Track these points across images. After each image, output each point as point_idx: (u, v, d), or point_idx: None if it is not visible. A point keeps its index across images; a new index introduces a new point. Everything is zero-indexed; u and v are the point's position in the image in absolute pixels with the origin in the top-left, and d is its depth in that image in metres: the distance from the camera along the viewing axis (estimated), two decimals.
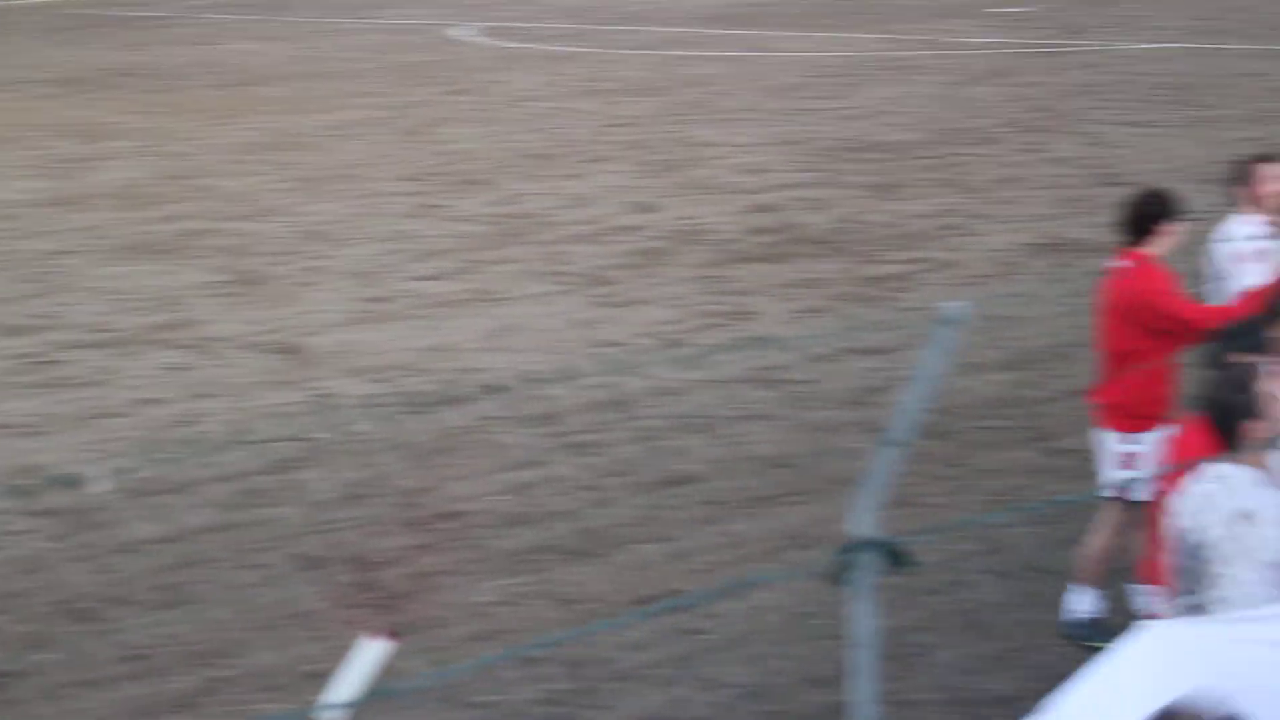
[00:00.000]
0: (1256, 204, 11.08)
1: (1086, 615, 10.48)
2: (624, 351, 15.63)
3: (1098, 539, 10.33)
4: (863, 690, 6.24)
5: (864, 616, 6.20)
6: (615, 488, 12.74)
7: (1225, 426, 7.29)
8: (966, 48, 37.29)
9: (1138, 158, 24.61)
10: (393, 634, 6.21)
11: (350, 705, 5.96)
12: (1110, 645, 9.29)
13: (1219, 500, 7.20)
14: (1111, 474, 10.34)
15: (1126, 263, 10.42)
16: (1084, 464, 10.93)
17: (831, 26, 41.98)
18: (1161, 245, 10.36)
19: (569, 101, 32.02)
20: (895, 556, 6.24)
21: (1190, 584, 7.33)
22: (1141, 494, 9.80)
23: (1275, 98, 29.24)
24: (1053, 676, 6.20)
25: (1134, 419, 10.23)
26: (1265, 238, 10.96)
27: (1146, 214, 10.46)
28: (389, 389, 15.07)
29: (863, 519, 6.12)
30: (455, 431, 13.34)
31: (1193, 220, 10.45)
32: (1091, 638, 10.12)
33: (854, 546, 6.15)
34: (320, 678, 10.01)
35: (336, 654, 7.44)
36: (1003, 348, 14.18)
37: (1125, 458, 10.28)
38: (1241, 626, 6.58)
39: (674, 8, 48.25)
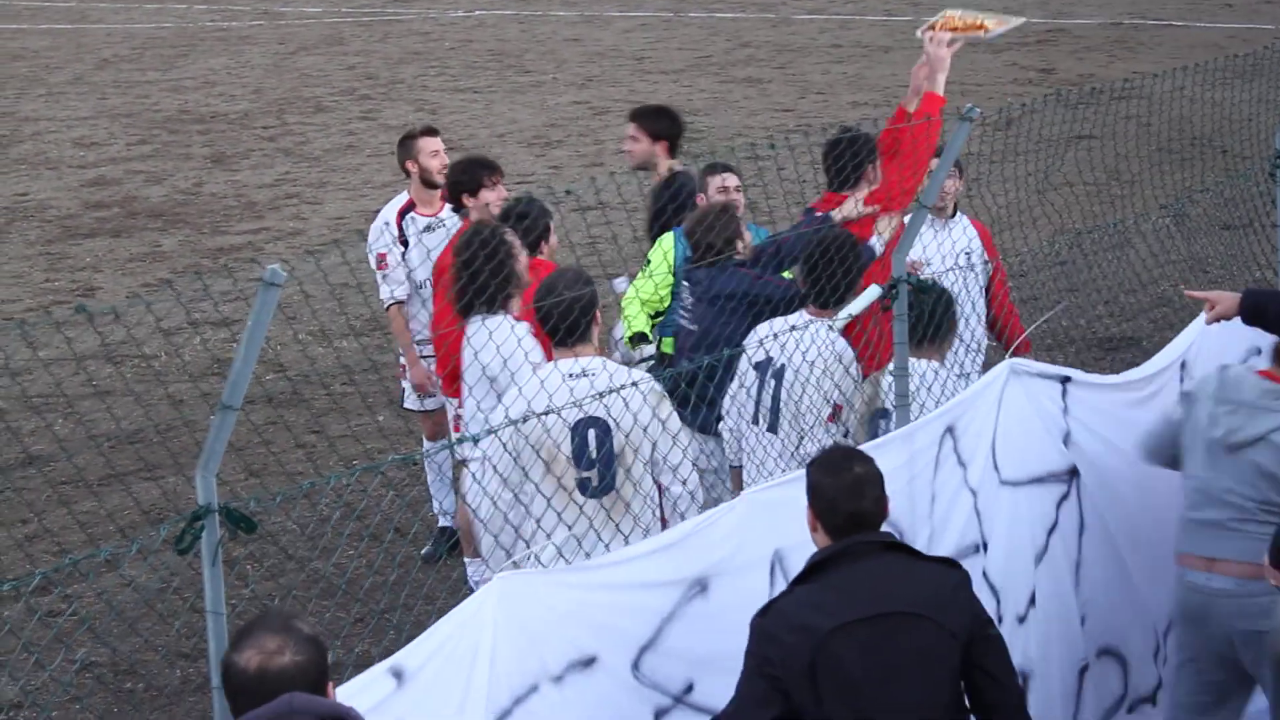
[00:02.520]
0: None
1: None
2: None
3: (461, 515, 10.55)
4: (216, 652, 6.29)
5: (214, 583, 6.26)
6: None
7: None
8: (297, 17, 37.29)
9: (469, 122, 25.17)
10: None
11: None
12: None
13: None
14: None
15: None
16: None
17: None
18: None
19: None
20: (238, 521, 6.32)
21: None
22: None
23: (596, 61, 30.31)
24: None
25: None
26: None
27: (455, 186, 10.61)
28: None
29: (205, 486, 6.18)
30: None
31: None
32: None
33: (197, 514, 6.20)
34: None
35: None
36: (351, 315, 14.33)
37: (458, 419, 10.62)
38: (579, 574, 6.93)
39: None
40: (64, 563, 8.28)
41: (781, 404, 8.89)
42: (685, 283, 9.78)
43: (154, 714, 9.33)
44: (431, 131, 11.59)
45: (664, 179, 11.31)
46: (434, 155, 11.33)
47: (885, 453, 7.43)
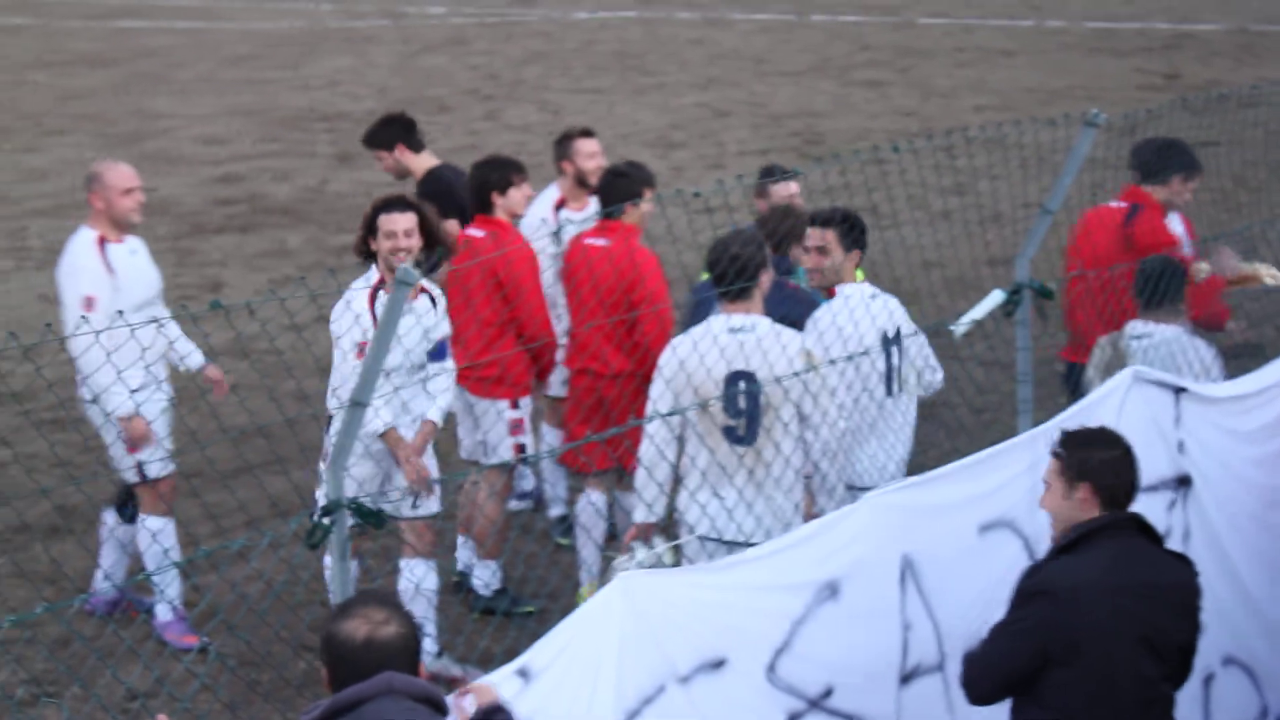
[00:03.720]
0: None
1: (496, 587, 10.78)
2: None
3: (490, 508, 10.61)
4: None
5: (341, 577, 6.36)
6: (90, 464, 12.59)
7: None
8: (421, 17, 37.56)
9: (592, 123, 25.23)
10: None
11: None
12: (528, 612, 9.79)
13: None
14: (506, 440, 10.77)
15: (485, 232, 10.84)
16: None
17: None
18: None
19: (20, 74, 31.10)
20: (368, 516, 6.43)
21: None
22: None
23: (717, 63, 30.35)
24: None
25: (518, 386, 10.67)
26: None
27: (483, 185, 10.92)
28: None
29: (334, 481, 6.29)
30: None
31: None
32: (511, 607, 10.47)
33: (327, 508, 6.31)
34: None
35: None
36: None
37: (515, 423, 10.72)
38: (705, 575, 6.99)
39: None
40: (197, 554, 8.48)
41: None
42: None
43: (279, 705, 9.47)
44: (588, 134, 11.95)
45: (424, 176, 11.87)
46: (590, 157, 11.66)
47: (1010, 457, 7.46)
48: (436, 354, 9.67)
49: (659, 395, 8.71)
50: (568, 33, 34.92)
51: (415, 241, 9.47)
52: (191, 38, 35.38)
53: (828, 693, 7.09)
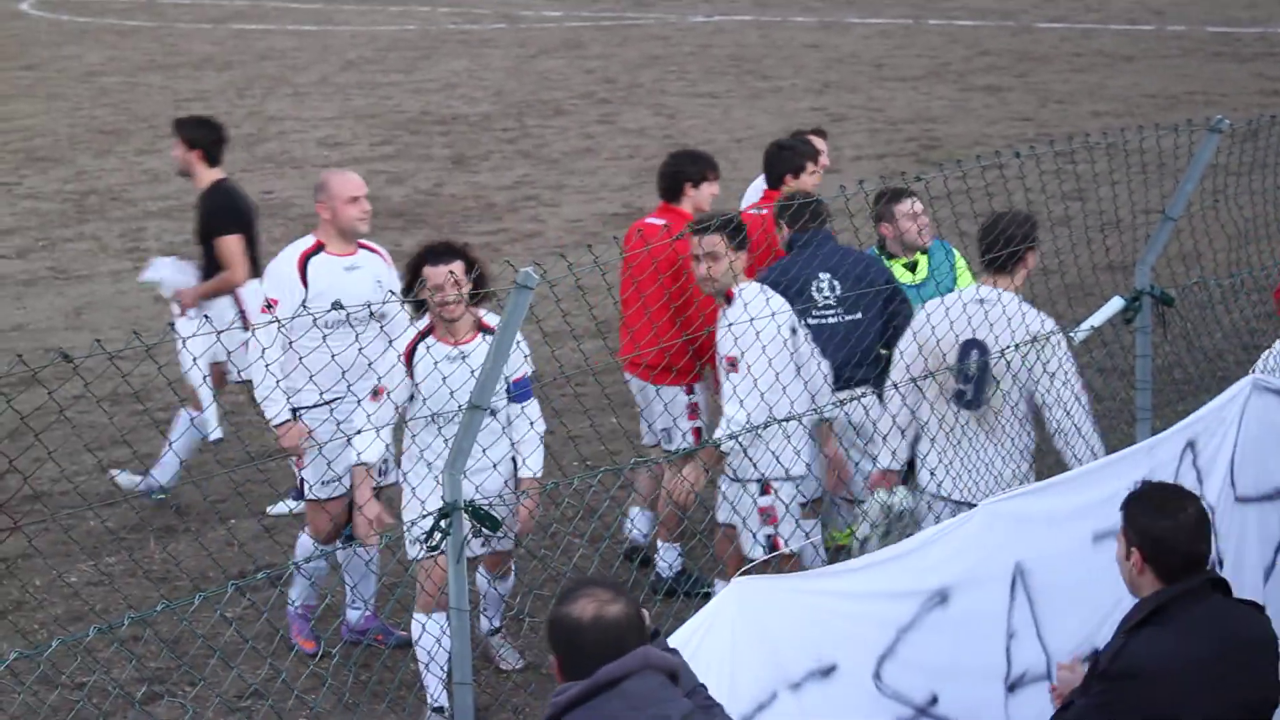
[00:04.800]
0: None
1: (675, 569, 10.85)
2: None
3: (678, 493, 10.59)
4: (459, 649, 6.42)
5: (458, 579, 6.37)
6: (206, 463, 12.69)
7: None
8: (537, 20, 37.68)
9: (707, 127, 25.25)
10: None
11: None
12: (706, 593, 9.79)
13: None
14: (679, 425, 10.76)
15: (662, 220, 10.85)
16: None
17: None
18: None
19: (138, 76, 31.43)
20: (483, 519, 6.45)
21: None
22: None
23: (834, 67, 30.26)
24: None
25: (687, 372, 10.67)
26: None
27: (678, 174, 10.97)
28: None
29: (452, 484, 6.31)
30: (38, 412, 13.08)
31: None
32: (693, 588, 10.50)
33: (444, 511, 6.33)
34: None
35: None
36: (587, 316, 14.43)
37: (691, 408, 10.73)
38: (817, 581, 6.95)
39: None
40: (314, 552, 8.55)
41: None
42: (824, 274, 10.11)
43: (385, 705, 9.50)
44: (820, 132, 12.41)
45: (209, 188, 11.97)
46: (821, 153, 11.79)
47: (1127, 465, 7.37)
48: (519, 394, 9.32)
49: (906, 348, 9.14)
50: (684, 36, 34.92)
51: (463, 286, 9.04)
52: (308, 40, 35.65)
53: (933, 700, 7.03)
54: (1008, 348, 8.74)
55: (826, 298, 10.07)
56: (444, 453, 8.48)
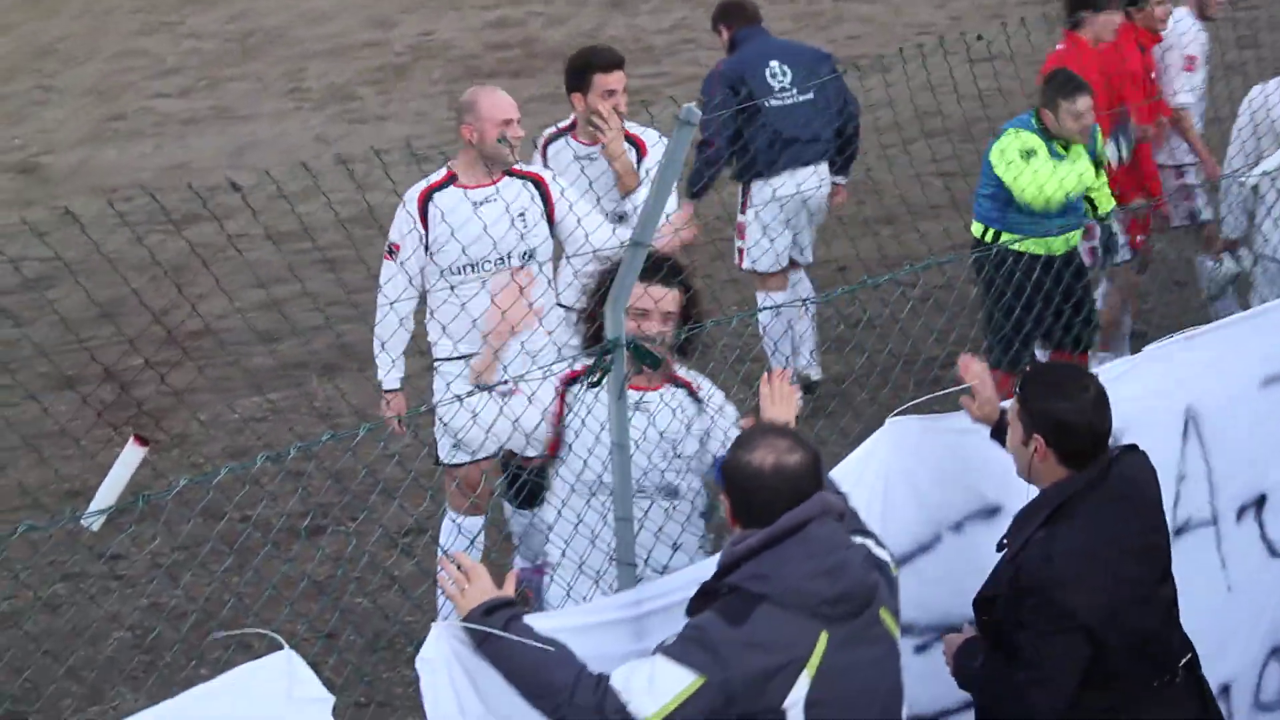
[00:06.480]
0: None
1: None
2: (369, 167, 15.57)
3: None
4: (620, 486, 6.45)
5: (620, 416, 6.40)
6: (368, 302, 12.77)
7: None
8: None
9: None
10: (148, 444, 6.27)
11: (111, 512, 6.03)
12: None
13: None
14: None
15: None
16: None
17: None
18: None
19: None
20: (644, 356, 6.47)
21: None
22: None
23: None
24: None
25: None
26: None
27: None
28: (132, 207, 14.90)
29: (614, 320, 6.33)
30: (203, 249, 13.24)
31: None
32: None
33: (606, 348, 6.37)
34: (81, 495, 10.05)
35: (96, 471, 7.46)
36: None
37: None
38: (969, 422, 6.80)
39: None
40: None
41: None
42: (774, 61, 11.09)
43: None
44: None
45: None
46: None
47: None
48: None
49: (1243, 126, 10.09)
50: None
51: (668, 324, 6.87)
52: None
53: None
54: None
55: (781, 81, 10.99)
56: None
